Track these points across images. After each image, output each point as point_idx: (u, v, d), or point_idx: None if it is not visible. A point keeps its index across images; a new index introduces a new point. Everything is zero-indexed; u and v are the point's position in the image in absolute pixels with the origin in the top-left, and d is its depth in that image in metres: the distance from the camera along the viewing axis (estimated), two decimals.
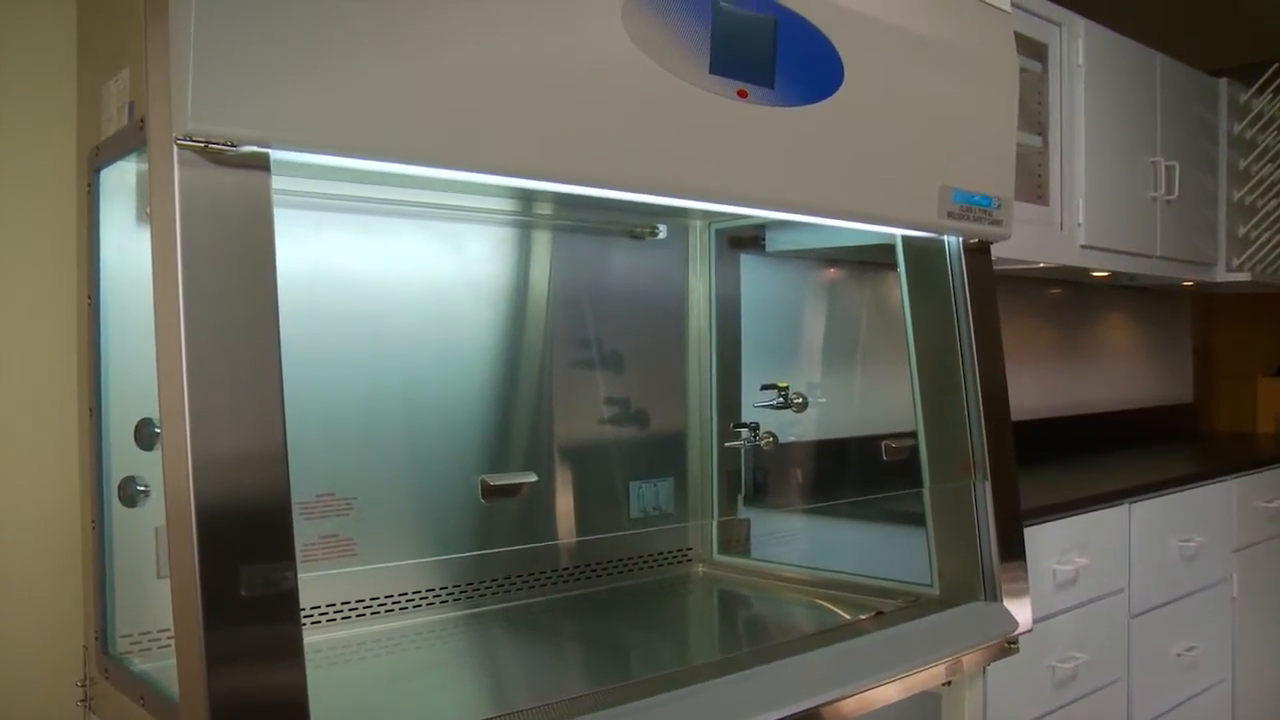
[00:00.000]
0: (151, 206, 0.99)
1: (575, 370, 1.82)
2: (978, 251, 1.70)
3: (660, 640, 1.67)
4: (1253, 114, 3.36)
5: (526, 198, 1.71)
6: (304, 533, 1.46)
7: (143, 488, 1.27)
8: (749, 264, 2.06)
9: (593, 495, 1.83)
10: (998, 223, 1.65)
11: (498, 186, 1.58)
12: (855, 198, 1.47)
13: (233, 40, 0.94)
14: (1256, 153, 3.37)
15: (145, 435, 1.24)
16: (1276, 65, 3.31)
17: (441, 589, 1.62)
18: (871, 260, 2.29)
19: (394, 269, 1.59)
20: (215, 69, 0.93)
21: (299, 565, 0.98)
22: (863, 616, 1.61)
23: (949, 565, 1.70)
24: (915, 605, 1.66)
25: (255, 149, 0.97)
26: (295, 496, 0.99)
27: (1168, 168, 2.93)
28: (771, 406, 1.96)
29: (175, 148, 0.93)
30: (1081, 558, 2.24)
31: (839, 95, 1.39)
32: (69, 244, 1.39)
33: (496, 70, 1.10)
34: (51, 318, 1.39)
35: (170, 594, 0.96)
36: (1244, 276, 3.31)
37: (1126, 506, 2.43)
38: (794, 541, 2.06)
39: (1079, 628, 2.25)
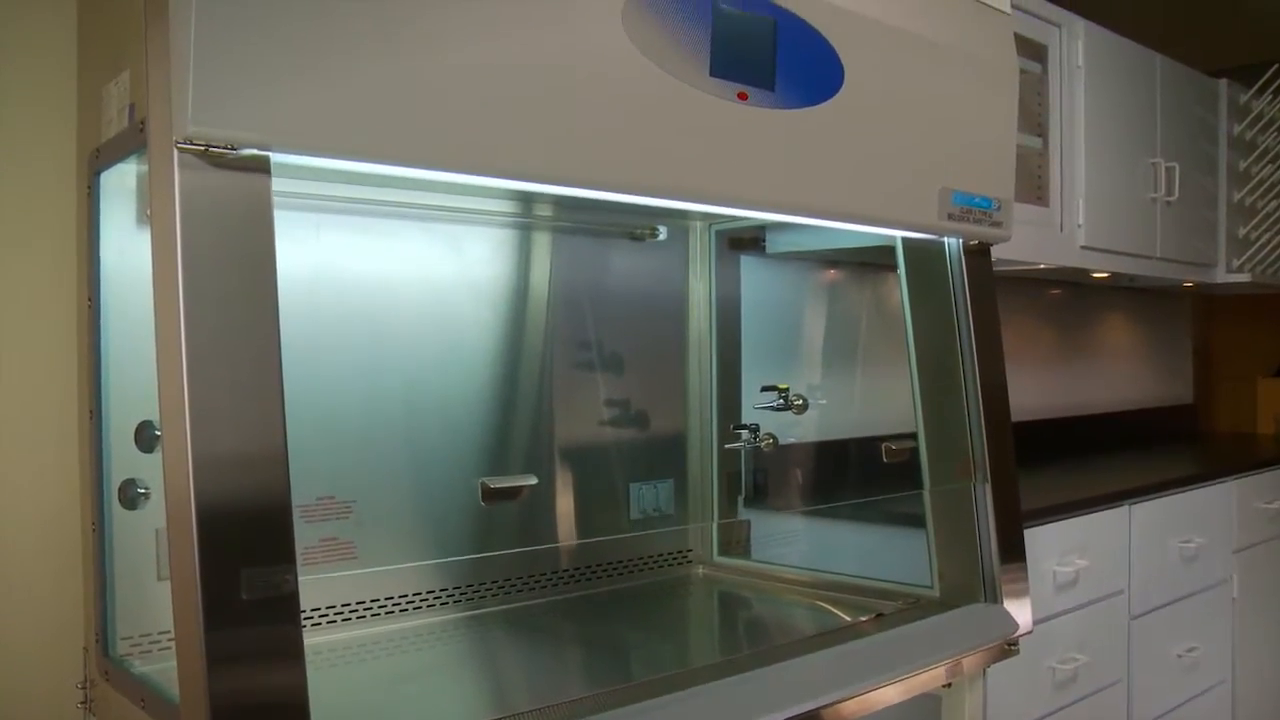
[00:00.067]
0: (152, 209, 0.99)
1: (575, 372, 1.82)
2: (978, 253, 1.70)
3: (660, 642, 1.67)
4: (1253, 115, 3.36)
5: (526, 199, 1.71)
6: (304, 536, 1.46)
7: (143, 490, 1.27)
8: (749, 265, 2.06)
9: (593, 497, 1.83)
10: (998, 224, 1.66)
11: (498, 188, 1.58)
12: (855, 200, 1.47)
13: (233, 43, 0.94)
14: (1256, 154, 3.37)
15: (145, 437, 1.24)
16: (1276, 66, 3.31)
17: (442, 590, 1.62)
18: (871, 261, 2.29)
19: (394, 271, 1.59)
20: (216, 72, 0.93)
21: (299, 568, 0.98)
22: (863, 618, 1.61)
23: (949, 567, 1.70)
24: (915, 607, 1.66)
25: (255, 152, 0.97)
26: (295, 499, 0.99)
27: (1168, 169, 2.93)
28: (772, 408, 1.96)
29: (175, 151, 0.93)
30: (1082, 559, 2.24)
31: (839, 97, 1.39)
32: (69, 245, 1.39)
33: (496, 73, 1.10)
34: (51, 319, 1.39)
35: (170, 596, 0.96)
36: (1244, 277, 3.31)
37: (1126, 508, 2.43)
38: (794, 543, 2.06)
39: (1079, 629, 2.25)
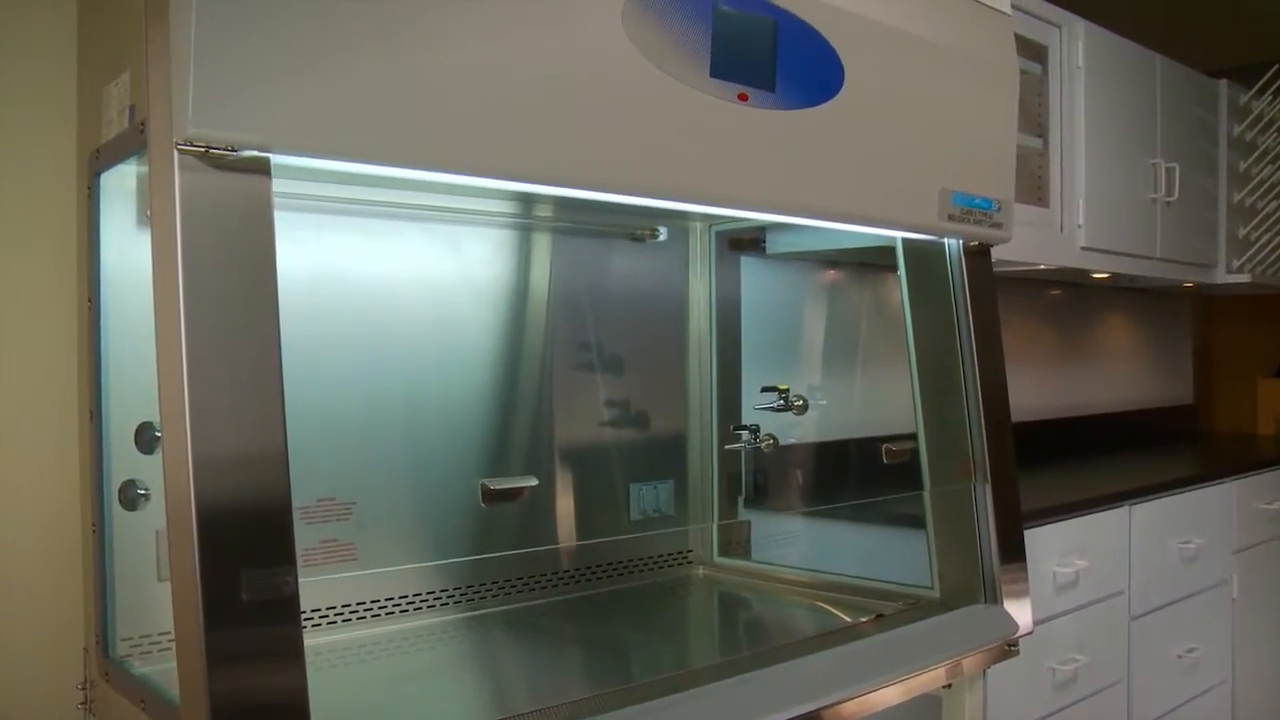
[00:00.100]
0: (152, 210, 0.99)
1: (576, 373, 1.82)
2: (978, 254, 1.70)
3: (661, 643, 1.67)
4: (1253, 115, 3.36)
5: (526, 200, 1.71)
6: (304, 537, 1.46)
7: (143, 491, 1.27)
8: (749, 266, 2.06)
9: (593, 498, 1.83)
10: (998, 225, 1.65)
11: (498, 189, 1.58)
12: (856, 201, 1.47)
13: (233, 45, 0.94)
14: (1256, 154, 3.37)
15: (146, 439, 1.24)
16: (1276, 67, 3.31)
17: (442, 591, 1.62)
18: (872, 262, 2.29)
19: (394, 272, 1.59)
20: (216, 74, 0.93)
21: (299, 570, 0.98)
22: (863, 619, 1.61)
23: (949, 568, 1.70)
24: (916, 608, 1.66)
25: (256, 154, 0.97)
26: (295, 501, 0.99)
27: (1168, 169, 2.93)
28: (772, 409, 1.96)
29: (176, 152, 0.93)
30: (1082, 560, 2.24)
31: (839, 98, 1.39)
32: (69, 245, 1.39)
33: (496, 74, 1.10)
34: (51, 319, 1.39)
35: (170, 597, 0.96)
36: (1244, 278, 3.31)
37: (1127, 508, 2.43)
38: (794, 544, 2.06)
39: (1079, 630, 2.25)
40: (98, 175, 1.29)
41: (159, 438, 1.00)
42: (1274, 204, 3.38)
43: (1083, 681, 2.25)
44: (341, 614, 1.52)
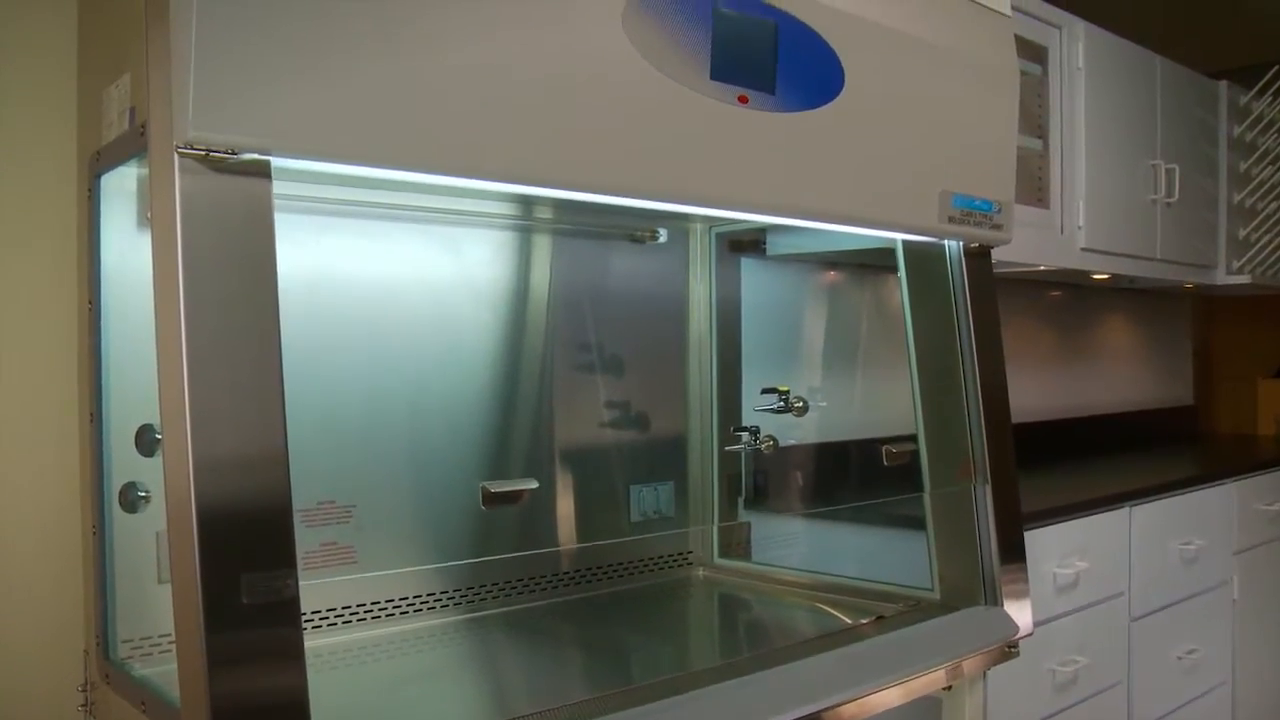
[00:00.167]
0: (152, 212, 0.99)
1: (576, 374, 1.82)
2: (978, 255, 1.70)
3: (661, 644, 1.67)
4: (1253, 116, 3.36)
5: (527, 202, 1.71)
6: (304, 540, 1.46)
7: (143, 493, 1.27)
8: (749, 267, 2.06)
9: (593, 499, 1.83)
10: (998, 227, 1.65)
11: (498, 191, 1.58)
12: (856, 203, 1.47)
13: (234, 48, 0.94)
14: (1256, 155, 3.37)
15: (146, 441, 1.24)
16: (1276, 68, 3.31)
17: (442, 593, 1.62)
18: (872, 263, 2.29)
19: (394, 274, 1.59)
20: (216, 76, 0.93)
21: (299, 573, 0.98)
22: (863, 621, 1.61)
23: (949, 569, 1.70)
24: (916, 609, 1.66)
25: (256, 156, 0.97)
26: (295, 504, 0.99)
27: (1168, 170, 2.93)
28: (772, 410, 1.96)
29: (176, 155, 0.93)
30: (1082, 561, 2.24)
31: (840, 100, 1.39)
32: (69, 247, 1.39)
33: (497, 77, 1.10)
34: (52, 321, 1.39)
35: (171, 599, 0.97)
36: (1244, 279, 3.31)
37: (1127, 510, 2.43)
38: (794, 545, 2.06)
39: (1079, 631, 2.25)
40: (98, 177, 1.29)
41: (159, 440, 1.00)
42: (1274, 205, 3.38)
43: (1083, 683, 2.25)
44: (342, 615, 1.52)
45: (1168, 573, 2.57)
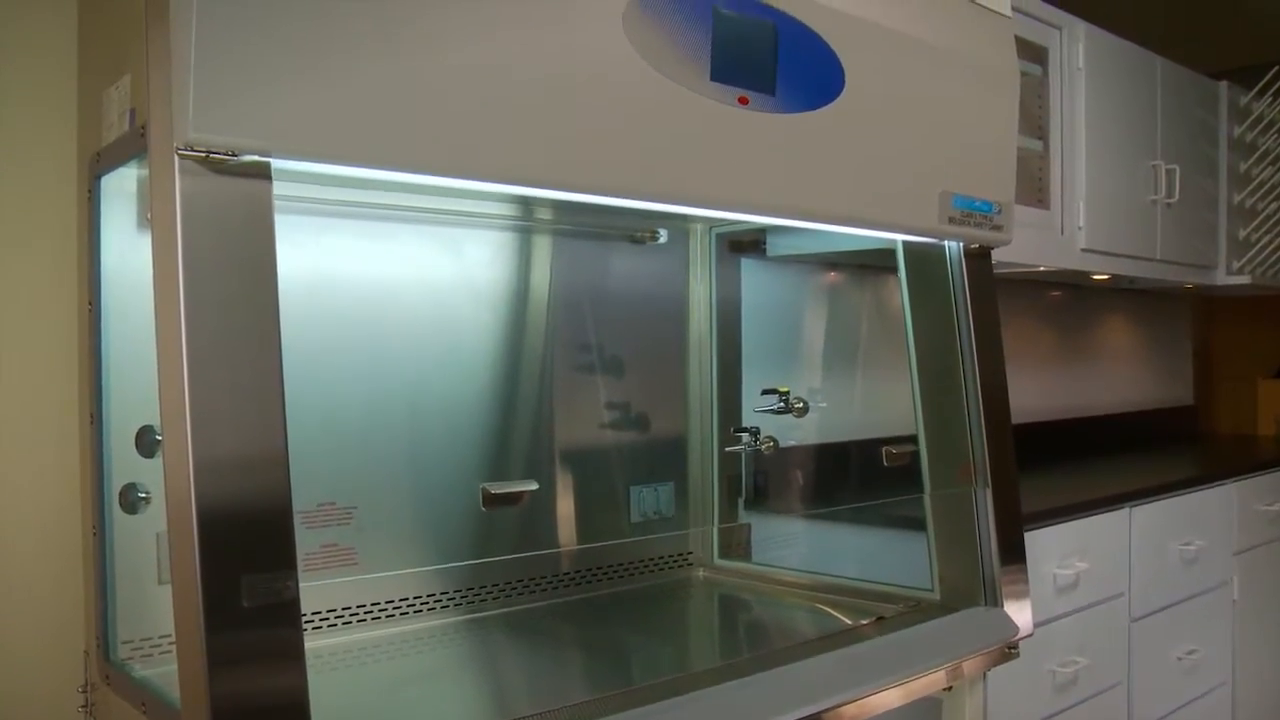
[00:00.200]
0: (153, 214, 0.99)
1: (576, 375, 1.82)
2: (978, 256, 1.70)
3: (661, 645, 1.67)
4: (1253, 117, 3.36)
5: (526, 203, 1.71)
6: (305, 542, 1.46)
7: (144, 494, 1.27)
8: (749, 268, 2.06)
9: (593, 500, 1.83)
10: (998, 228, 1.65)
11: (498, 192, 1.58)
12: (856, 204, 1.47)
13: (234, 49, 0.94)
14: (1257, 156, 3.37)
15: (146, 443, 1.24)
16: (1277, 68, 3.31)
17: (442, 594, 1.62)
18: (872, 264, 2.29)
19: (394, 275, 1.59)
20: (217, 78, 0.93)
21: (299, 575, 0.98)
22: (864, 621, 1.61)
23: (949, 570, 1.70)
24: (916, 610, 1.66)
25: (256, 158, 0.97)
26: (296, 506, 0.99)
27: (1168, 171, 2.93)
28: (772, 411, 1.96)
29: (176, 157, 0.93)
30: (1082, 562, 2.24)
31: (840, 101, 1.39)
32: (69, 247, 1.39)
33: (497, 78, 1.10)
34: (52, 322, 1.39)
35: (171, 600, 0.97)
36: (1244, 279, 3.31)
37: (1127, 510, 2.43)
38: (795, 546, 2.06)
39: (1079, 632, 2.25)
40: (98, 178, 1.29)
41: (160, 441, 1.00)
42: (1274, 205, 3.38)
43: (1083, 683, 2.25)
44: (342, 616, 1.52)
45: (1168, 573, 2.57)
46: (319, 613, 1.50)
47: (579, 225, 1.81)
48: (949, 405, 1.70)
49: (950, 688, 1.62)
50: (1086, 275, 2.89)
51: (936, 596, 1.70)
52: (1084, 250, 2.67)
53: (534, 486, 1.61)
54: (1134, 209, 2.86)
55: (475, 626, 1.62)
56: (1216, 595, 2.77)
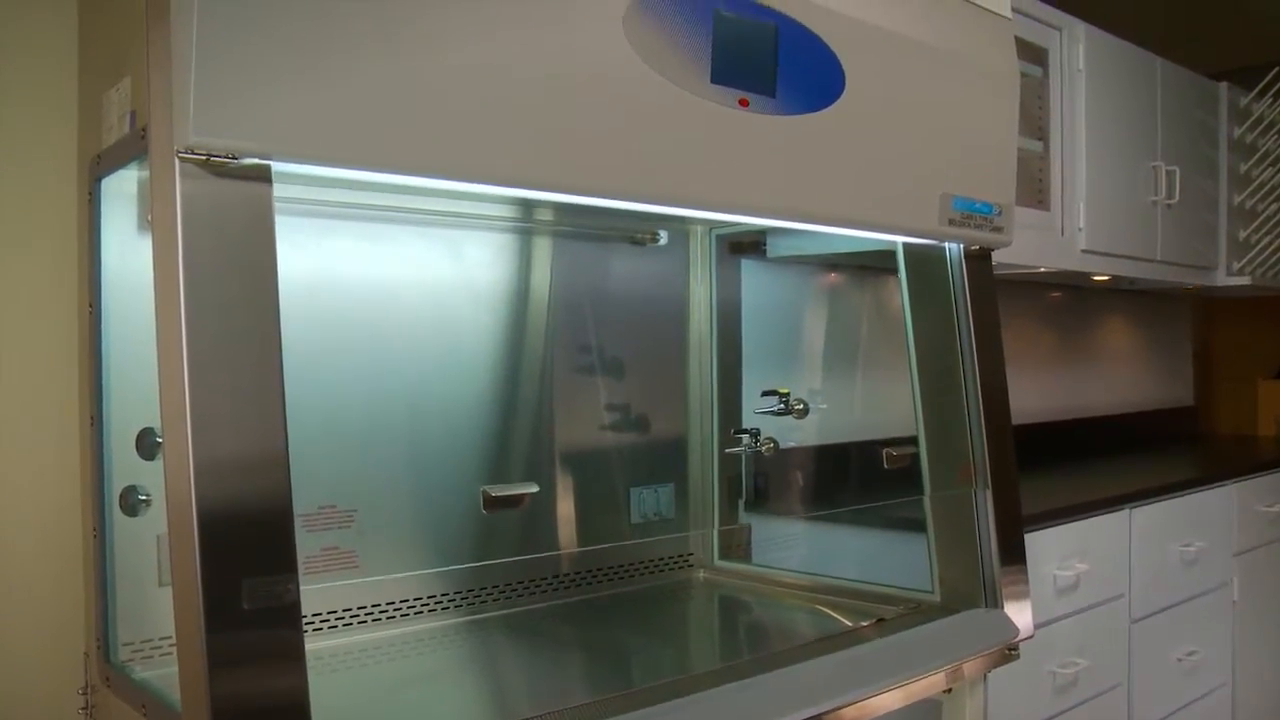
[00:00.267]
0: (153, 216, 0.99)
1: (576, 376, 1.82)
2: (978, 258, 1.70)
3: (661, 647, 1.67)
4: (1253, 118, 3.36)
5: (527, 204, 1.71)
6: (305, 545, 1.46)
7: (144, 497, 1.27)
8: (750, 269, 2.06)
9: (594, 501, 1.83)
10: (998, 229, 1.66)
11: (499, 194, 1.58)
12: (857, 206, 1.47)
13: (234, 52, 0.94)
14: (1257, 157, 3.37)
15: (147, 445, 1.24)
16: (1277, 69, 3.31)
17: (443, 595, 1.62)
18: (872, 265, 2.29)
19: (395, 276, 1.59)
20: (217, 81, 0.93)
21: (300, 578, 0.98)
22: (864, 623, 1.61)
23: (950, 571, 1.70)
24: (916, 612, 1.66)
25: (257, 161, 0.97)
26: (296, 509, 0.99)
27: (1168, 172, 2.93)
28: (772, 412, 1.96)
29: (177, 160, 0.93)
30: (1082, 563, 2.24)
31: (840, 103, 1.39)
32: (69, 249, 1.39)
33: (497, 81, 1.10)
34: (52, 323, 1.39)
35: (171, 602, 0.97)
36: (1244, 280, 3.31)
37: (1127, 511, 2.43)
38: (795, 547, 2.06)
39: (1080, 633, 2.25)
40: (99, 180, 1.29)
41: (160, 443, 1.00)
42: (1274, 206, 3.38)
43: (1083, 685, 2.25)
44: (342, 618, 1.52)
45: (1168, 574, 2.57)
46: (319, 614, 1.50)
47: (579, 227, 1.81)
48: (949, 406, 1.70)
49: (950, 689, 1.62)
50: (1087, 276, 2.89)
51: (936, 598, 1.70)
52: (1084, 251, 2.67)
53: (534, 489, 1.61)
54: (1134, 210, 2.86)
55: (476, 628, 1.62)
56: (1216, 596, 2.77)
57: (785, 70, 1.33)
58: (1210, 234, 3.25)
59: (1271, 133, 3.36)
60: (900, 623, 1.60)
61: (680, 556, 1.96)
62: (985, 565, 1.67)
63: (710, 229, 1.98)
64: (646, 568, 1.90)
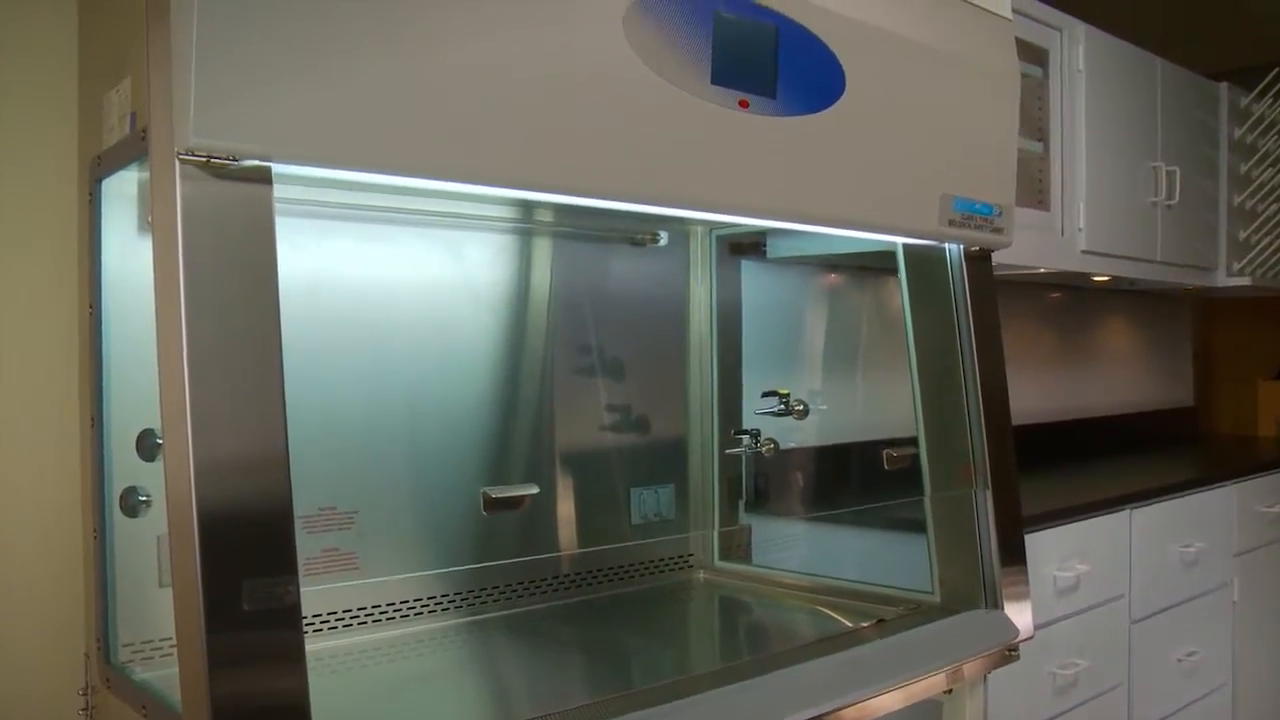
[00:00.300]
0: (154, 218, 0.99)
1: (576, 377, 1.82)
2: (979, 259, 1.70)
3: (661, 648, 1.67)
4: (1253, 118, 3.36)
5: (527, 205, 1.71)
6: (306, 546, 1.46)
7: (144, 498, 1.27)
8: (750, 270, 2.06)
9: (594, 502, 1.83)
10: (999, 230, 1.66)
11: (499, 195, 1.58)
12: (857, 207, 1.47)
13: (234, 53, 0.94)
14: (1257, 157, 3.37)
15: (147, 446, 1.24)
16: (1277, 69, 3.31)
17: (443, 596, 1.62)
18: (872, 266, 2.29)
19: (395, 277, 1.59)
20: (217, 83, 0.93)
21: (300, 579, 0.99)
22: (864, 624, 1.61)
23: (950, 572, 1.70)
24: (916, 613, 1.66)
25: (257, 163, 0.97)
26: (297, 510, 0.99)
27: (1168, 172, 2.93)
28: (772, 413, 1.96)
29: (177, 161, 0.94)
30: (1082, 564, 2.24)
31: (840, 104, 1.39)
32: (70, 249, 1.39)
33: (498, 82, 1.10)
34: (52, 324, 1.39)
35: (172, 602, 0.97)
36: (1244, 281, 3.31)
37: (1127, 512, 2.43)
38: (795, 548, 2.06)
39: (1080, 634, 2.25)
40: (99, 181, 1.29)
41: (160, 444, 1.00)
42: (1274, 207, 3.38)
43: (1083, 686, 2.25)
44: (343, 619, 1.52)
45: (1168, 575, 2.57)
46: (320, 615, 1.50)
47: (579, 228, 1.81)
48: (949, 407, 1.70)
49: (950, 690, 1.62)
50: (1087, 277, 2.89)
51: (937, 599, 1.70)
52: (1084, 252, 2.67)
53: (534, 490, 1.61)
54: (1134, 211, 2.86)
55: (476, 629, 1.62)
56: (1217, 597, 2.77)
57: (785, 71, 1.33)
58: (1210, 234, 3.25)
59: (1272, 133, 3.36)
60: (900, 623, 1.60)
61: (680, 557, 1.96)
62: (985, 566, 1.67)
63: (710, 229, 1.98)
64: (647, 568, 1.90)
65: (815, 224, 1.50)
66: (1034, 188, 2.57)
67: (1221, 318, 4.18)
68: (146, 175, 1.11)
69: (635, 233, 1.88)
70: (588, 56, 1.17)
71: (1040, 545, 2.12)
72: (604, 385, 1.85)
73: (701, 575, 1.97)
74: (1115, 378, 3.64)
